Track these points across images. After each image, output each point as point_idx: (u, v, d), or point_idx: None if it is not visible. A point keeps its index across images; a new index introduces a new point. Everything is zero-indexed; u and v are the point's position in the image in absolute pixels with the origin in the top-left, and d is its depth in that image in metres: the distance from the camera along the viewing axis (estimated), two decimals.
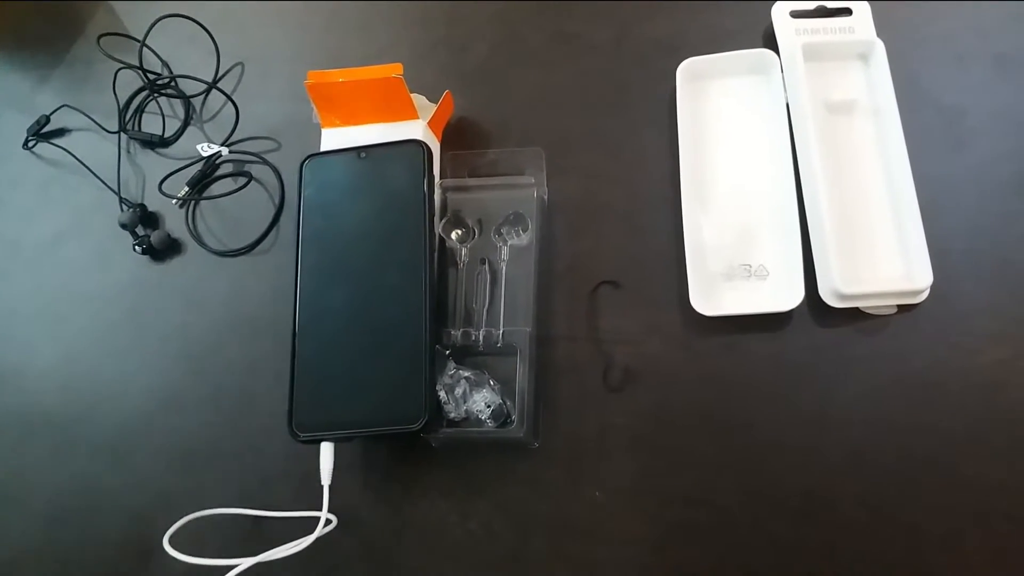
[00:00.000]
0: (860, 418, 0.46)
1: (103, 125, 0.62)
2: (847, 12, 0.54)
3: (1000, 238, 0.48)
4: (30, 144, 0.63)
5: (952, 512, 0.43)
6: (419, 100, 0.55)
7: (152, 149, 0.62)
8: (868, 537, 0.44)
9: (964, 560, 0.43)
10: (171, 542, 0.44)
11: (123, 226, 0.58)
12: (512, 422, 0.47)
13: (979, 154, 0.50)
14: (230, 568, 0.43)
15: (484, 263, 0.51)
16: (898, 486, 0.44)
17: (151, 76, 0.63)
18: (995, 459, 0.44)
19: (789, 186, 0.50)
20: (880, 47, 0.51)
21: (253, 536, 0.49)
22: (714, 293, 0.49)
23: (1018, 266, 0.47)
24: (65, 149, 0.62)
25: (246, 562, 0.43)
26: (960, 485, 0.44)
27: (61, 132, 0.64)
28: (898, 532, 0.43)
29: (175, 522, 0.45)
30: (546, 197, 0.53)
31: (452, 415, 0.47)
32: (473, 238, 0.52)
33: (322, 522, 0.45)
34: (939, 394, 0.46)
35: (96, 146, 0.62)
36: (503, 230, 0.51)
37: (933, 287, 0.46)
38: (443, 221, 0.52)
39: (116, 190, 0.60)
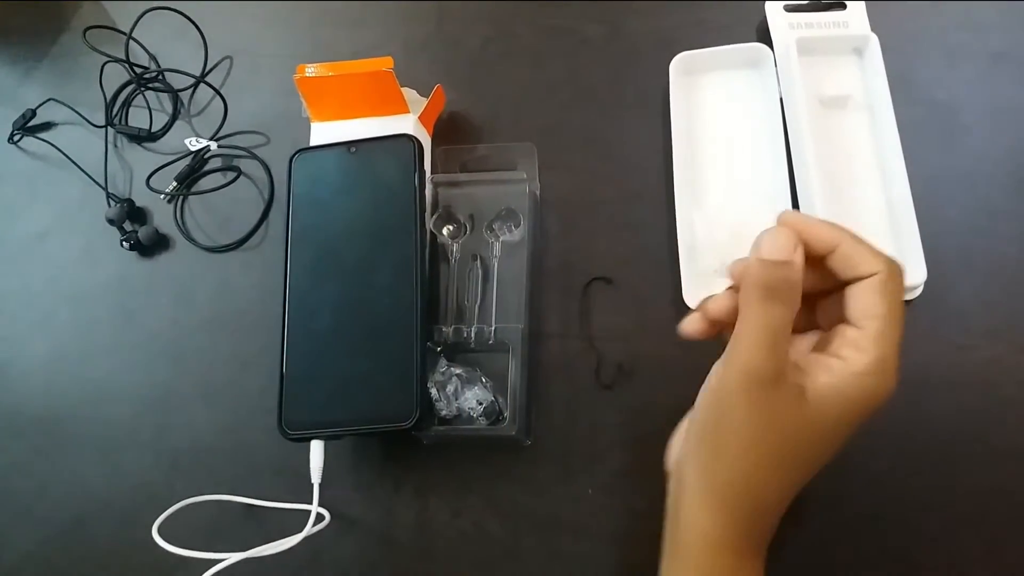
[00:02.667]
0: None
1: (90, 119, 0.62)
2: (841, 6, 0.53)
3: (994, 235, 0.48)
4: (15, 138, 0.63)
5: (946, 510, 0.43)
6: (410, 94, 0.55)
7: (139, 144, 0.61)
8: (859, 535, 0.44)
9: (959, 559, 0.43)
10: (161, 534, 0.44)
11: (110, 221, 0.57)
12: (504, 419, 0.47)
13: (973, 150, 0.50)
14: (219, 561, 0.43)
15: (476, 259, 0.50)
16: (891, 484, 0.44)
17: (138, 70, 0.62)
18: (989, 456, 0.44)
19: (783, 181, 0.50)
20: (874, 42, 0.51)
21: (244, 532, 0.48)
22: (707, 289, 0.48)
23: (1012, 263, 0.47)
24: (51, 143, 0.61)
25: (234, 557, 0.43)
26: (954, 483, 0.44)
27: (47, 126, 0.63)
28: (892, 531, 0.43)
29: (165, 520, 0.45)
30: (538, 193, 0.53)
31: (444, 412, 0.47)
32: (465, 234, 0.51)
33: (312, 518, 0.45)
34: (932, 391, 0.45)
35: (83, 140, 0.61)
36: (495, 226, 0.51)
37: (926, 284, 0.46)
38: (434, 217, 0.51)
39: (103, 185, 0.59)
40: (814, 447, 0.33)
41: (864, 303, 0.32)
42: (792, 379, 0.32)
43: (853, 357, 0.32)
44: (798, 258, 0.32)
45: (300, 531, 0.44)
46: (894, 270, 0.32)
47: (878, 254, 0.33)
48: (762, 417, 0.32)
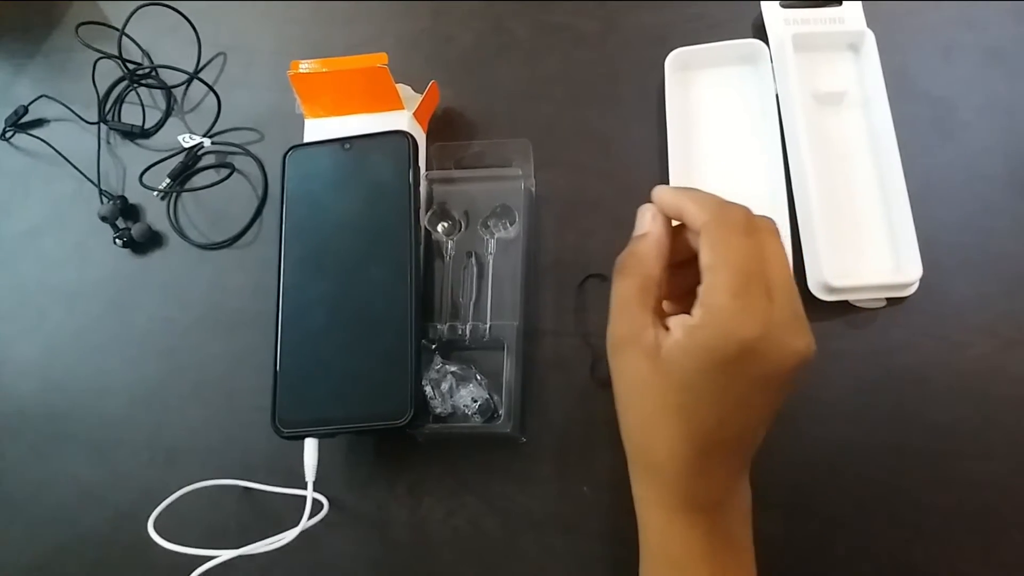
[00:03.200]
0: (848, 412, 0.46)
1: (82, 116, 0.61)
2: (837, 2, 0.53)
3: (990, 231, 0.48)
4: (7, 135, 0.62)
5: (941, 506, 0.43)
6: (404, 90, 0.55)
7: (132, 140, 0.61)
8: (857, 532, 0.44)
9: (953, 555, 0.43)
10: (157, 530, 0.44)
11: (103, 218, 0.57)
12: (499, 417, 0.47)
13: (969, 146, 0.50)
14: (213, 558, 0.43)
15: (471, 256, 0.50)
16: (887, 480, 0.44)
17: (131, 66, 0.62)
18: (984, 453, 0.44)
19: (778, 178, 0.50)
20: (870, 38, 0.51)
21: (240, 528, 0.48)
22: None
23: (1008, 259, 0.47)
24: (43, 140, 0.61)
25: (228, 554, 0.43)
26: (949, 479, 0.44)
27: (39, 123, 0.63)
28: (887, 527, 0.43)
29: (158, 518, 0.45)
30: (533, 189, 0.52)
31: (438, 410, 0.47)
32: (459, 231, 0.51)
33: (307, 514, 0.45)
34: (928, 387, 0.45)
35: (75, 137, 0.61)
36: (490, 223, 0.50)
37: (922, 280, 0.46)
38: (429, 213, 0.51)
39: (96, 182, 0.59)
40: (686, 399, 0.33)
41: (700, 258, 0.32)
42: (652, 339, 0.33)
43: (694, 311, 0.32)
44: (654, 229, 0.35)
45: (298, 518, 0.44)
46: (718, 218, 0.32)
47: (705, 205, 0.33)
48: (625, 375, 0.34)
